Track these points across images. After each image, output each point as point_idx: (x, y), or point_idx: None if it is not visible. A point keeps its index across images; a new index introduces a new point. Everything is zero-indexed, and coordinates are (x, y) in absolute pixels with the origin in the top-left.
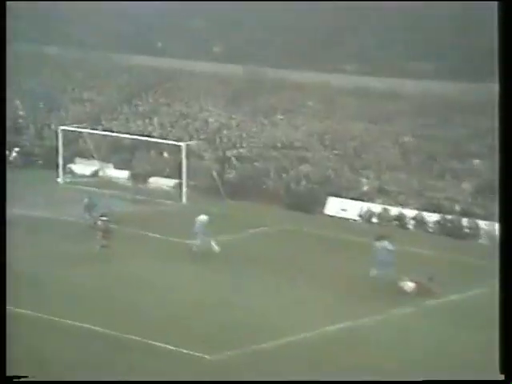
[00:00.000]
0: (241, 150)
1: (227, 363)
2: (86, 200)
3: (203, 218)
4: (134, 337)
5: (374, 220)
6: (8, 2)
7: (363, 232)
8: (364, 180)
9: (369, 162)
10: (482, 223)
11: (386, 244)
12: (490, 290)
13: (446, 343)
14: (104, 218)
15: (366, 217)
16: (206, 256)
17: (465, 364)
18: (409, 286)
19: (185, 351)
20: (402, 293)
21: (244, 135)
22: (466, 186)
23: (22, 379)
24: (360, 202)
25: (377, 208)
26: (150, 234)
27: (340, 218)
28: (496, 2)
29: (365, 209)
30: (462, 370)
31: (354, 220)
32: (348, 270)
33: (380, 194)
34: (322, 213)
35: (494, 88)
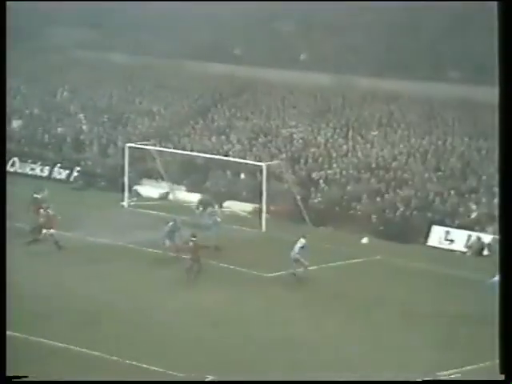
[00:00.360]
0: (329, 172)
1: None
2: (170, 223)
3: (302, 241)
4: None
5: (485, 252)
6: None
7: (472, 266)
8: (473, 206)
9: (479, 185)
10: None
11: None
12: None
13: None
14: (194, 239)
15: (476, 248)
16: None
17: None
18: None
19: None
20: None
21: (333, 154)
22: None
23: (22, 379)
24: (469, 232)
25: (488, 238)
26: (230, 266)
27: (445, 249)
28: (496, 2)
29: (474, 239)
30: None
31: (462, 252)
32: (452, 310)
33: (492, 221)
34: (423, 243)
35: None
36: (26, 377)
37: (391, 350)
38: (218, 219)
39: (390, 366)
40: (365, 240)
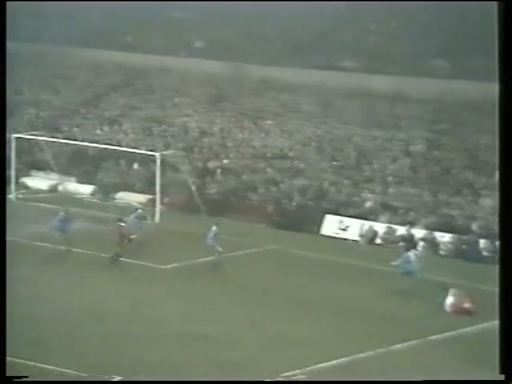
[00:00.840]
0: (224, 161)
1: None
2: (61, 214)
3: (214, 228)
4: None
5: (378, 241)
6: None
7: (364, 255)
8: (367, 195)
9: (373, 175)
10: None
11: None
12: None
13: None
14: (122, 224)
15: (369, 237)
16: (182, 280)
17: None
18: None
19: None
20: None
21: (228, 143)
22: (486, 201)
23: (22, 379)
24: (362, 221)
25: (381, 227)
26: (125, 259)
27: (338, 238)
28: (496, 2)
29: (367, 228)
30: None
31: (355, 241)
32: (344, 297)
33: (385, 210)
34: (317, 232)
35: None
36: (25, 377)
37: (284, 338)
38: (146, 220)
39: (282, 356)
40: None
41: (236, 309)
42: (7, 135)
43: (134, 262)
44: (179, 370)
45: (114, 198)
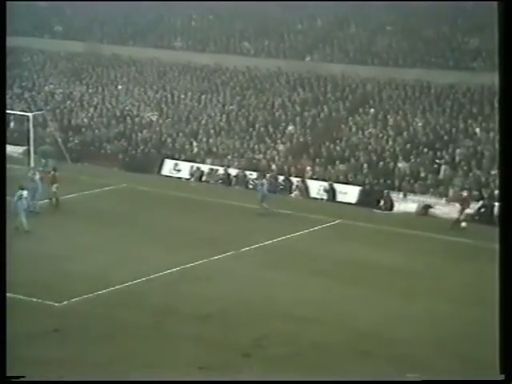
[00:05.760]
0: (84, 119)
1: (73, 309)
2: None
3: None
4: None
5: (204, 178)
6: None
7: (194, 189)
8: (194, 143)
9: (199, 128)
10: (295, 179)
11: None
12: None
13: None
14: (55, 172)
15: (197, 176)
16: (51, 212)
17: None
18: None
19: (35, 299)
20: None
21: (86, 105)
22: (281, 148)
23: (22, 379)
24: (191, 163)
25: (206, 168)
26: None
27: (174, 177)
28: (496, 2)
29: (195, 169)
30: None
31: (187, 179)
32: (178, 222)
33: (209, 155)
34: (158, 173)
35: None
36: (24, 377)
37: (132, 254)
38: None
39: (128, 269)
40: (464, 224)
41: (93, 234)
42: None
43: None
44: None
45: None
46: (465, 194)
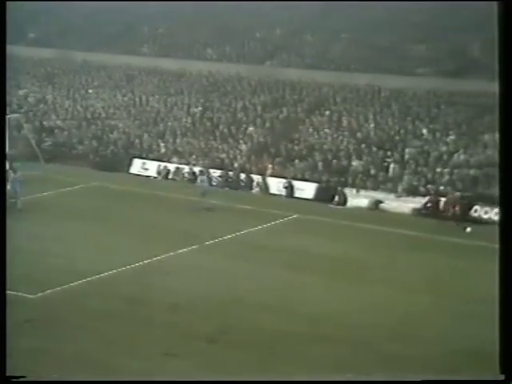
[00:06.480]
0: (57, 122)
1: (48, 300)
2: None
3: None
4: None
5: (170, 176)
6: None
7: (161, 186)
8: (161, 144)
9: (166, 129)
10: (256, 177)
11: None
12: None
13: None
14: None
15: (164, 174)
16: (27, 211)
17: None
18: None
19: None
20: None
21: (58, 108)
22: (243, 147)
23: (22, 379)
24: (158, 162)
25: (172, 166)
26: None
27: (142, 175)
28: (496, 2)
29: (162, 167)
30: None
31: (154, 177)
32: (146, 217)
33: (175, 155)
34: (127, 172)
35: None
36: (24, 377)
37: (108, 251)
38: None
39: (99, 260)
40: (469, 229)
41: (66, 229)
42: None
43: None
44: None
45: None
46: (457, 194)
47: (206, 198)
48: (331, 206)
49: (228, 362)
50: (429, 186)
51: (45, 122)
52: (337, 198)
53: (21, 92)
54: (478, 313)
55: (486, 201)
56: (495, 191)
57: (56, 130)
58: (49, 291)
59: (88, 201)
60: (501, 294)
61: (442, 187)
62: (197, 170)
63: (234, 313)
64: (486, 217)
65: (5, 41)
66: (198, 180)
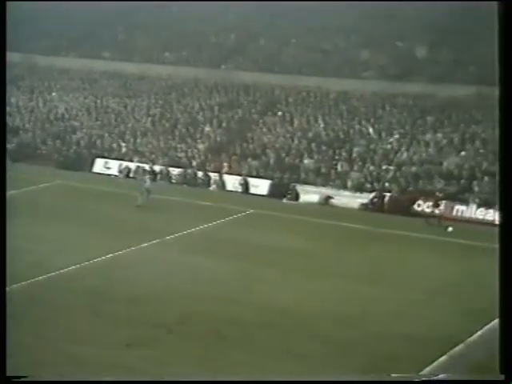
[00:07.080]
0: (21, 124)
1: (14, 294)
2: None
3: None
4: None
5: (131, 175)
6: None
7: (122, 184)
8: (122, 144)
9: (126, 130)
10: (213, 174)
11: None
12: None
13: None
14: None
15: (125, 172)
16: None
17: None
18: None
19: None
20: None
21: (23, 111)
22: (200, 146)
23: (22, 379)
24: (119, 161)
25: (133, 165)
26: None
27: (104, 174)
28: (496, 2)
29: (123, 166)
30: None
31: (115, 175)
32: (109, 214)
33: (136, 154)
34: (90, 171)
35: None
36: (25, 377)
37: (72, 247)
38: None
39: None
40: (450, 228)
41: (30, 225)
42: None
43: None
44: None
45: None
46: (440, 195)
47: (149, 196)
48: (284, 201)
49: (185, 350)
50: (374, 182)
51: (10, 123)
52: (289, 194)
53: None
54: (422, 301)
55: (428, 196)
56: (435, 187)
57: (21, 131)
58: (15, 286)
59: (52, 199)
60: (501, 294)
61: (387, 183)
62: (157, 168)
63: (194, 304)
64: (428, 211)
65: (5, 41)
66: (141, 180)
